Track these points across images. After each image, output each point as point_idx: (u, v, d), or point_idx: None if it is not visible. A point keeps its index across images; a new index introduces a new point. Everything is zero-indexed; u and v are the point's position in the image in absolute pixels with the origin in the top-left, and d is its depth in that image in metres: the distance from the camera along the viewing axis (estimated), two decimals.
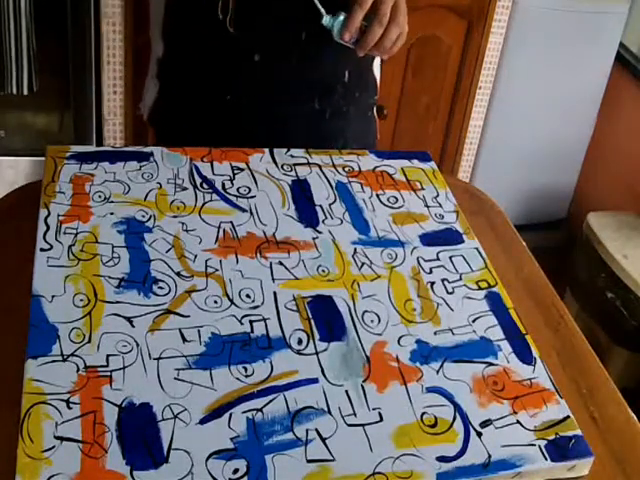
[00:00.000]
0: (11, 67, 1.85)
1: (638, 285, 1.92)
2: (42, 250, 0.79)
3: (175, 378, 0.68)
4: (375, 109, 1.22)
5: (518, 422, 0.71)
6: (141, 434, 0.63)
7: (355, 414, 0.68)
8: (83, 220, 0.84)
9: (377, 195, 0.96)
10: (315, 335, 0.75)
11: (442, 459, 0.66)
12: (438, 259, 0.88)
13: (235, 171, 0.95)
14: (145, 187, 0.90)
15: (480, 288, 0.85)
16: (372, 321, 0.78)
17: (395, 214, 0.94)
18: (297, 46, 1.06)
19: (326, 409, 0.68)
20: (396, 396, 0.71)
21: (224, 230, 0.86)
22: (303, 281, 0.81)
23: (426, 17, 2.15)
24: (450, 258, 0.89)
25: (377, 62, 1.18)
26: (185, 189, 0.91)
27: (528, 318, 0.84)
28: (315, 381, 0.70)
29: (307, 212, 0.91)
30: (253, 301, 0.78)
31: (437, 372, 0.74)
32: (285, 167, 0.98)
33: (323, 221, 0.90)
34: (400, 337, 0.77)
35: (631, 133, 2.47)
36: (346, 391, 0.70)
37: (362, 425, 0.67)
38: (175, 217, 0.86)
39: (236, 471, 0.62)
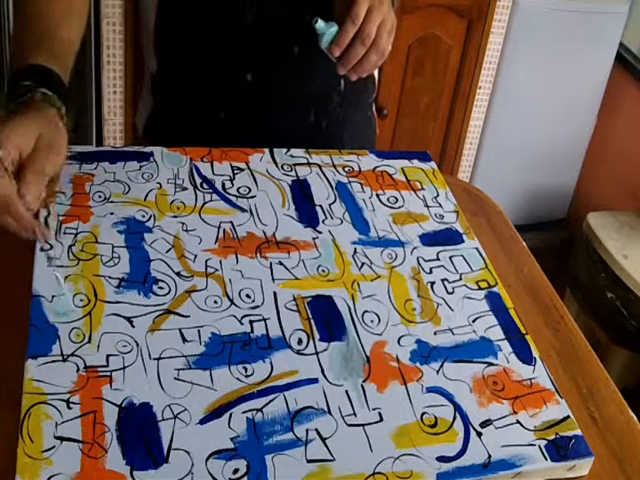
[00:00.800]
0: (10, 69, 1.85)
1: (638, 285, 1.92)
2: (42, 250, 0.79)
3: (175, 378, 0.68)
4: (374, 107, 1.21)
5: (518, 422, 0.71)
6: (141, 434, 0.63)
7: (355, 414, 0.68)
8: (83, 220, 0.84)
9: (377, 195, 0.96)
10: (315, 335, 0.75)
11: (442, 459, 0.66)
12: (438, 259, 0.88)
13: (235, 171, 0.95)
14: (145, 187, 0.90)
15: (480, 288, 0.85)
16: (372, 321, 0.78)
17: (395, 214, 0.94)
18: (290, 62, 1.04)
19: (326, 409, 0.68)
20: (396, 396, 0.71)
21: (224, 230, 0.86)
22: (303, 281, 0.81)
23: (426, 17, 2.15)
24: (450, 258, 0.89)
25: None
26: (185, 189, 0.91)
27: (528, 318, 0.84)
28: (315, 381, 0.71)
29: (307, 212, 0.91)
30: (253, 301, 0.78)
31: (437, 372, 0.74)
32: (285, 167, 0.98)
33: (323, 221, 0.90)
34: (400, 337, 0.77)
35: (631, 133, 2.47)
36: (346, 391, 0.70)
37: (362, 425, 0.67)
38: (175, 217, 0.86)
39: (236, 471, 0.62)
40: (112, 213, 0.85)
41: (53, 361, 0.68)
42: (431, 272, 0.86)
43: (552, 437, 0.70)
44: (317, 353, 0.73)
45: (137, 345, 0.71)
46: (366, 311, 0.79)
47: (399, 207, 0.95)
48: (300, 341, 0.74)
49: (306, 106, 1.09)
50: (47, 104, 0.79)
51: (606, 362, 0.97)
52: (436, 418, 0.69)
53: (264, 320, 0.76)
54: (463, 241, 0.92)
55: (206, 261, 0.81)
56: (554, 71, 2.38)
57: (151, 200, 0.88)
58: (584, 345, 0.85)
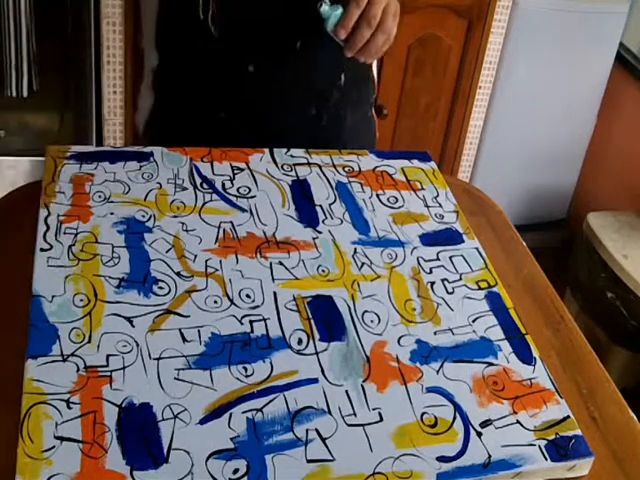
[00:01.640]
0: (10, 70, 1.85)
1: (638, 285, 1.92)
2: (42, 250, 0.79)
3: (175, 378, 0.68)
4: (374, 108, 1.22)
5: (518, 422, 0.71)
6: (141, 434, 0.63)
7: (355, 414, 0.68)
8: (83, 220, 0.84)
9: (377, 195, 0.96)
10: (315, 335, 0.75)
11: (442, 459, 0.66)
12: (438, 259, 0.88)
13: (235, 171, 0.95)
14: (145, 187, 0.90)
15: (480, 288, 0.85)
16: (372, 321, 0.78)
17: (395, 214, 0.94)
18: (292, 55, 1.04)
19: (326, 409, 0.68)
20: (396, 396, 0.71)
21: (224, 230, 0.86)
22: (303, 281, 0.81)
23: (426, 17, 2.15)
24: (450, 258, 0.89)
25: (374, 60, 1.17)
26: (185, 189, 0.91)
27: (528, 318, 0.84)
28: (315, 381, 0.70)
29: (307, 212, 0.91)
30: (253, 301, 0.78)
31: (437, 372, 0.74)
32: (285, 167, 0.98)
33: (323, 221, 0.90)
34: (400, 337, 0.77)
35: (631, 133, 2.46)
36: (346, 391, 0.70)
37: (362, 425, 0.67)
38: (175, 217, 0.86)
39: (236, 471, 0.62)
40: (112, 213, 0.85)
41: (53, 361, 0.68)
42: (431, 272, 0.86)
43: (552, 437, 0.70)
44: (317, 353, 0.73)
45: (137, 345, 0.71)
46: (366, 311, 0.79)
47: (399, 207, 0.95)
48: (300, 341, 0.74)
49: (307, 102, 1.10)
50: None
51: (606, 362, 0.97)
52: (436, 418, 0.69)
53: (264, 320, 0.76)
54: (463, 241, 0.92)
55: (206, 261, 0.81)
56: (554, 71, 2.38)
57: (151, 200, 0.88)
58: (584, 345, 0.85)
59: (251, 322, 0.75)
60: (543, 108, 2.44)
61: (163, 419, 0.65)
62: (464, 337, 0.78)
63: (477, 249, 0.91)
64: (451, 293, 0.84)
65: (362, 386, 0.71)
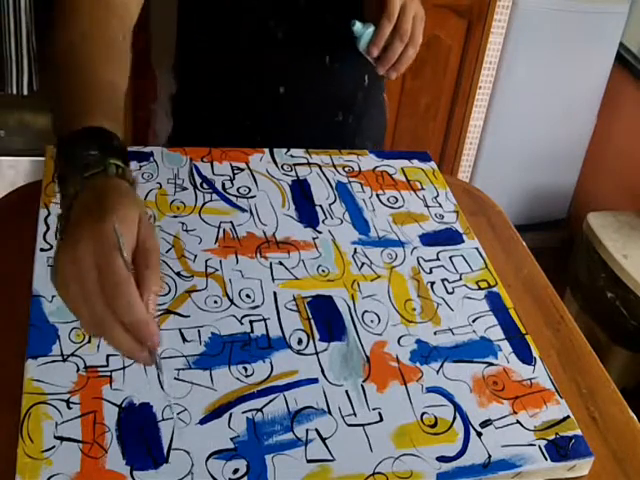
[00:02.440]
0: (11, 68, 1.84)
1: (638, 285, 1.92)
2: (42, 250, 0.79)
3: (175, 378, 0.68)
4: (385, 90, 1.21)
5: (518, 422, 0.71)
6: (141, 434, 0.63)
7: (355, 414, 0.68)
8: None
9: (377, 195, 0.96)
10: (315, 335, 0.75)
11: (442, 459, 0.66)
12: (438, 259, 0.88)
13: (235, 171, 0.95)
14: (145, 187, 0.90)
15: (480, 288, 0.85)
16: (372, 321, 0.78)
17: (395, 214, 0.94)
18: (321, 70, 1.04)
19: (326, 409, 0.68)
20: (396, 396, 0.71)
21: (224, 230, 0.86)
22: (303, 281, 0.81)
23: (426, 17, 2.14)
24: (450, 258, 0.89)
25: None
26: (185, 189, 0.91)
27: (528, 318, 0.84)
28: (315, 381, 0.70)
29: (307, 212, 0.91)
30: (253, 301, 0.78)
31: (437, 372, 0.74)
32: (285, 167, 0.98)
33: (323, 221, 0.90)
34: (400, 337, 0.77)
35: (631, 133, 2.46)
36: (346, 391, 0.70)
37: (362, 425, 0.67)
38: (175, 217, 0.86)
39: (236, 471, 0.62)
40: None
41: (53, 361, 0.68)
42: (431, 272, 0.86)
43: (552, 437, 0.70)
44: (317, 353, 0.73)
45: None
46: (366, 311, 0.79)
47: (399, 207, 0.95)
48: (300, 341, 0.74)
49: (334, 110, 1.10)
50: (122, 179, 0.66)
51: (606, 362, 0.97)
52: (436, 418, 0.69)
53: (264, 320, 0.76)
54: (463, 241, 0.92)
55: (206, 261, 0.81)
56: (554, 71, 2.38)
57: (151, 200, 0.88)
58: (584, 345, 0.85)
59: (251, 322, 0.75)
60: (543, 108, 2.44)
61: (163, 419, 0.65)
62: (464, 337, 0.78)
63: (477, 249, 0.91)
64: (451, 293, 0.84)
65: (362, 386, 0.71)
